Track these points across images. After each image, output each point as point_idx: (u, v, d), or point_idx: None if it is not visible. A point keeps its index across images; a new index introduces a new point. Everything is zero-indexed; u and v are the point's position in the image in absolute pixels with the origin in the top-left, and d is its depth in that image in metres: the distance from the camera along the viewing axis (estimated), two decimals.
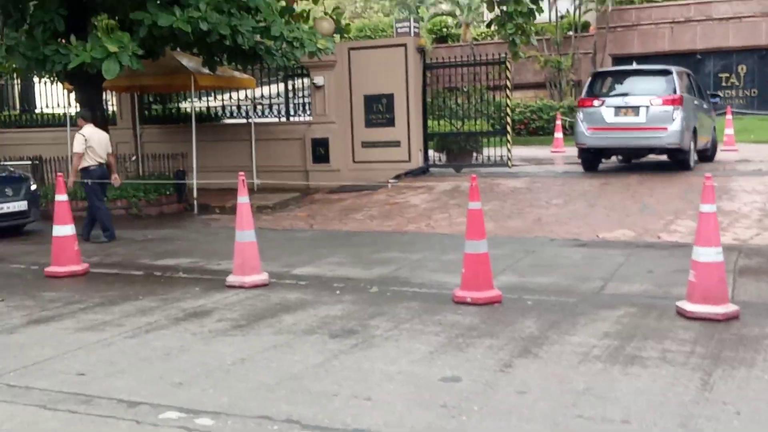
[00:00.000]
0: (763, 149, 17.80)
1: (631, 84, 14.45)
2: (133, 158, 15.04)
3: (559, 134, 20.73)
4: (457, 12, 33.29)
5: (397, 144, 14.97)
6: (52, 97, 18.08)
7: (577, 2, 28.86)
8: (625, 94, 14.05)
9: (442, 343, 5.32)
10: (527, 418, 3.94)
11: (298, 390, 4.47)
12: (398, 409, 4.12)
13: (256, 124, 15.88)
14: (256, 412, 4.14)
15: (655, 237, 9.21)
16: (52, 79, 14.11)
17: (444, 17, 33.91)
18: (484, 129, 16.19)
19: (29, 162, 14.50)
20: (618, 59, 28.55)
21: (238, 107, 17.25)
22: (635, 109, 13.66)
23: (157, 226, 11.93)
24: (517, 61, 15.47)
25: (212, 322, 6.10)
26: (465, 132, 16.07)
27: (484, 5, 19.42)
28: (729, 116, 19.42)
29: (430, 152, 16.11)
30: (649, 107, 13.54)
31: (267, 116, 16.85)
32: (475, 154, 16.39)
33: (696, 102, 14.75)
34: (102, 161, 10.42)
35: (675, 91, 13.69)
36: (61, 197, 8.35)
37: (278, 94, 17.05)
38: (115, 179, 10.66)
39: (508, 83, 15.61)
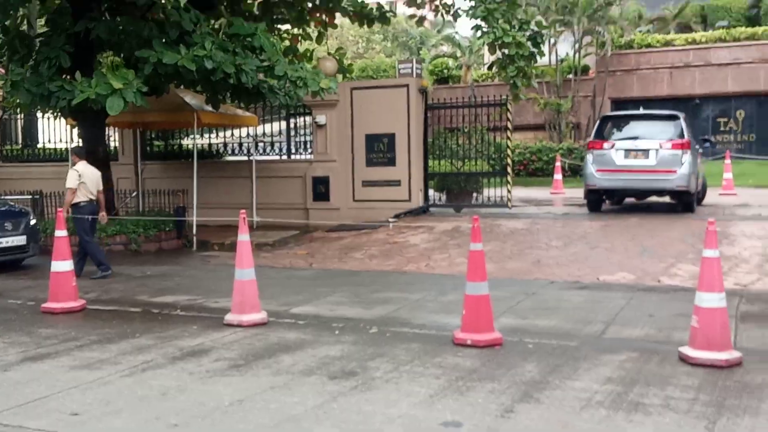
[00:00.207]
0: (762, 194, 17.83)
1: (639, 128, 14.73)
2: (134, 194, 15.05)
3: (558, 176, 20.79)
4: (459, 54, 33.63)
5: (397, 183, 14.99)
6: (55, 132, 18.15)
7: (576, 46, 29.16)
8: (634, 138, 14.28)
9: (442, 386, 5.25)
10: None
11: None
12: None
13: (257, 161, 15.92)
14: None
15: (656, 280, 9.17)
16: (55, 114, 14.18)
17: (445, 59, 34.23)
18: (484, 169, 16.25)
19: (30, 196, 14.50)
20: (617, 103, 28.77)
21: (240, 144, 17.31)
22: (645, 152, 13.95)
23: (155, 262, 11.88)
24: (518, 102, 15.56)
25: (210, 362, 6.03)
26: (465, 172, 16.12)
27: (485, 48, 19.63)
28: (728, 161, 19.47)
29: (431, 192, 16.13)
30: (658, 150, 13.84)
31: (268, 154, 16.92)
32: (475, 195, 16.42)
33: (696, 146, 14.93)
34: (93, 198, 10.49)
35: (683, 136, 14.05)
36: (61, 233, 8.33)
37: (280, 132, 17.12)
38: (102, 217, 10.67)
39: (509, 124, 15.69)
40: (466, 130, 16.48)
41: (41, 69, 11.31)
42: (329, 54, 15.30)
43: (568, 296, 8.41)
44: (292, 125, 16.96)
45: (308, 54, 14.98)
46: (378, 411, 4.75)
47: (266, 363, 5.95)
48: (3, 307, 8.62)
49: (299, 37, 16.05)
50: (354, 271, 10.61)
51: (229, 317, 7.32)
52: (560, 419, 4.55)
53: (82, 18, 11.89)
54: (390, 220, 14.15)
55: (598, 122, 15.40)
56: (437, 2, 16.31)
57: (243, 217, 7.36)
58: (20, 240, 11.08)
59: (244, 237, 7.32)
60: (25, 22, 14.58)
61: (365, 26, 16.40)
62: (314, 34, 16.15)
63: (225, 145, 17.56)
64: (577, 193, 18.37)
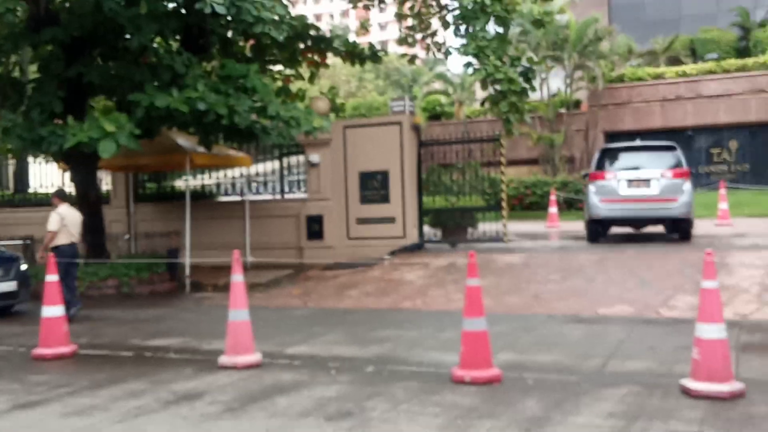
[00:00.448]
0: (758, 223, 17.81)
1: (639, 158, 15.00)
2: (126, 237, 14.96)
3: (554, 209, 20.78)
4: (450, 90, 33.88)
5: (392, 220, 14.93)
6: (46, 176, 18.11)
7: (568, 81, 29.42)
8: (636, 168, 14.59)
9: (441, 425, 5.13)
10: None
11: None
12: None
13: (250, 201, 15.86)
14: None
15: (655, 312, 9.08)
16: (47, 159, 14.16)
17: (437, 96, 34.47)
18: (479, 204, 16.21)
19: (21, 241, 14.40)
20: (611, 135, 28.95)
21: (233, 185, 17.27)
22: (647, 182, 14.28)
23: (148, 305, 11.75)
24: (511, 138, 15.60)
25: (204, 405, 5.91)
26: (460, 208, 16.08)
27: (477, 84, 19.72)
28: (722, 191, 19.50)
29: (425, 228, 16.08)
30: (659, 180, 14.20)
31: (262, 193, 16.86)
32: (470, 230, 16.36)
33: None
34: (75, 240, 10.49)
35: (682, 165, 14.48)
36: (52, 278, 8.22)
37: (273, 172, 17.09)
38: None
39: (502, 159, 15.69)
40: (459, 166, 16.48)
41: (33, 114, 11.31)
42: (321, 93, 15.34)
43: (568, 330, 8.32)
44: (285, 164, 16.94)
45: (301, 94, 15.02)
46: None
47: (262, 405, 5.83)
48: None
49: (291, 77, 16.12)
50: (350, 309, 10.50)
51: (224, 359, 7.20)
52: None
53: (75, 63, 11.92)
54: (385, 257, 14.07)
55: (598, 154, 15.60)
56: (429, 41, 16.43)
57: (236, 258, 7.28)
58: (11, 286, 10.95)
59: (237, 278, 7.23)
60: (17, 68, 14.63)
61: (357, 65, 16.48)
62: (306, 74, 16.22)
63: (218, 185, 17.52)
64: (573, 226, 18.37)
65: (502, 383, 6.15)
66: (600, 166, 14.94)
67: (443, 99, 33.96)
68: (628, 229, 16.34)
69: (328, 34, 15.93)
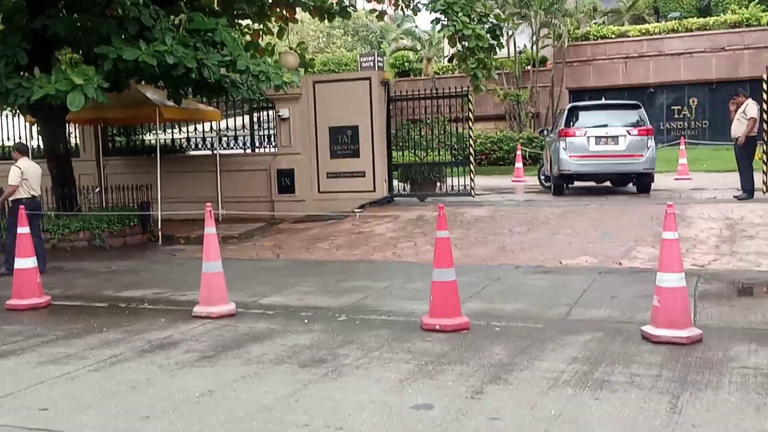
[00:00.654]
0: (716, 178, 18.23)
1: (605, 117, 15.93)
2: (97, 190, 14.89)
3: (519, 164, 21.05)
4: (419, 47, 33.75)
5: (362, 174, 15.04)
6: (14, 129, 17.84)
7: (534, 38, 29.48)
8: (604, 125, 15.46)
9: (412, 370, 5.32)
10: None
11: (269, 421, 4.43)
12: None
13: (221, 155, 15.85)
14: None
15: (617, 263, 9.35)
16: (14, 111, 13.96)
17: (406, 52, 34.31)
18: (447, 159, 16.38)
19: None
20: (575, 93, 29.16)
21: (204, 139, 17.20)
22: (615, 139, 15.24)
23: (121, 257, 11.78)
24: (479, 94, 15.72)
25: (179, 354, 6.02)
26: (429, 162, 16.23)
27: (445, 41, 19.72)
28: (682, 147, 19.93)
29: (395, 182, 16.22)
30: (626, 137, 15.17)
31: (232, 148, 16.83)
32: (438, 184, 16.54)
33: None
34: (35, 194, 10.43)
35: (646, 123, 15.54)
36: (23, 230, 8.23)
37: (243, 126, 17.04)
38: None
39: (470, 115, 15.82)
40: (428, 122, 16.59)
41: None
42: (291, 49, 15.26)
43: (533, 280, 8.55)
44: (255, 119, 16.89)
45: (270, 49, 14.91)
46: (349, 397, 4.79)
47: (236, 353, 5.96)
48: None
49: (260, 33, 15.98)
50: (321, 261, 10.65)
51: (198, 309, 7.32)
52: (529, 399, 4.64)
53: (39, 15, 11.71)
54: (355, 210, 14.20)
55: (566, 111, 16.27)
56: None
57: (209, 210, 7.35)
58: None
59: (210, 230, 7.31)
60: None
61: (326, 21, 16.37)
62: (275, 30, 16.08)
63: (188, 139, 17.42)
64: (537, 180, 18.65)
65: (470, 331, 6.34)
66: (569, 124, 15.60)
67: (411, 55, 33.81)
68: (589, 183, 17.02)
69: None
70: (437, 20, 14.27)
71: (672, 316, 5.77)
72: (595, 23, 31.39)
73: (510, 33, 27.61)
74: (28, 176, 10.31)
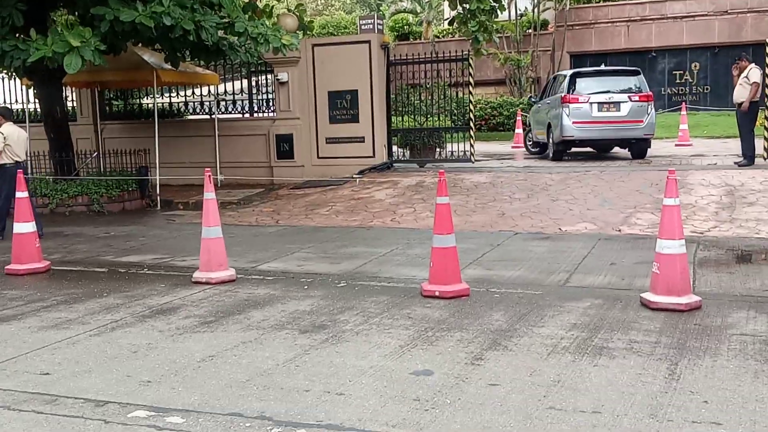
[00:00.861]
0: (716, 144, 18.20)
1: (607, 83, 16.24)
2: (95, 154, 14.84)
3: (519, 130, 20.95)
4: (418, 9, 33.41)
5: (361, 140, 14.98)
6: (11, 93, 17.72)
7: (535, 1, 29.16)
8: (606, 92, 15.83)
9: (412, 336, 5.34)
10: (500, 411, 3.97)
11: (270, 386, 4.44)
12: (371, 404, 4.12)
13: (219, 120, 15.76)
14: (228, 409, 4.10)
15: (617, 230, 9.35)
16: (10, 74, 13.84)
17: (405, 15, 33.99)
18: (446, 125, 16.31)
19: None
20: (576, 57, 28.97)
21: (201, 103, 17.10)
22: (617, 105, 15.65)
23: (119, 222, 11.78)
24: (480, 58, 15.61)
25: (179, 319, 6.04)
26: (428, 128, 16.18)
27: (445, 3, 19.50)
28: (683, 112, 19.84)
29: (394, 148, 16.17)
30: (628, 103, 15.57)
31: (231, 112, 16.75)
32: (438, 150, 16.50)
33: None
34: (19, 159, 10.33)
35: (646, 89, 15.96)
36: (22, 194, 8.20)
37: (242, 90, 16.93)
38: None
39: (471, 80, 15.71)
40: (428, 86, 16.48)
41: None
42: (289, 11, 15.09)
43: (532, 247, 8.56)
44: (253, 83, 16.78)
45: (268, 11, 14.75)
46: (349, 363, 4.81)
47: (236, 319, 5.98)
48: None
49: None
50: (320, 227, 10.65)
51: (198, 275, 7.32)
52: (528, 365, 4.66)
53: None
54: (355, 176, 14.17)
55: (567, 78, 16.42)
56: None
57: (208, 175, 7.32)
58: None
59: (210, 195, 7.29)
60: None
61: None
62: None
63: (186, 104, 17.33)
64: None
65: (469, 297, 6.36)
66: (571, 90, 15.85)
67: (411, 18, 33.51)
68: (585, 149, 17.24)
69: None
70: None
71: (671, 283, 5.78)
72: None
73: None
74: (11, 142, 10.18)
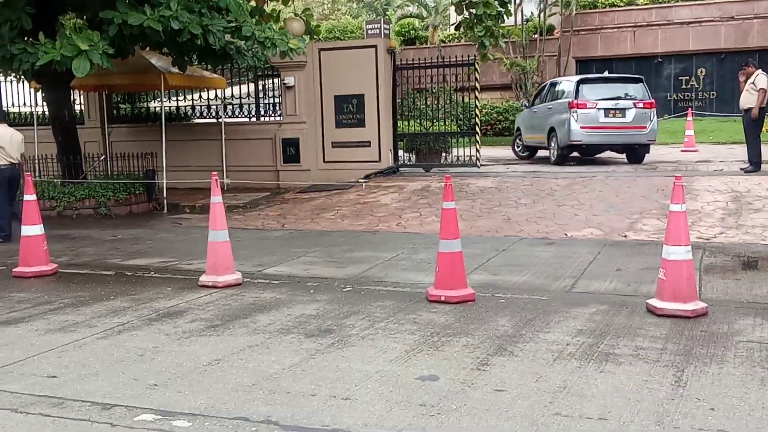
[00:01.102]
0: (722, 150, 18.18)
1: (611, 90, 16.71)
2: (102, 157, 14.89)
3: None
4: (425, 14, 33.43)
5: (367, 144, 15.01)
6: (19, 96, 17.79)
7: (541, 6, 29.16)
8: (611, 98, 16.30)
9: (418, 341, 5.34)
10: (506, 417, 3.97)
11: (276, 390, 4.45)
12: (377, 409, 4.12)
13: (226, 123, 15.80)
14: (234, 413, 4.11)
15: (622, 236, 9.34)
16: (18, 77, 13.90)
17: (412, 19, 34.01)
18: (452, 130, 16.33)
19: None
20: (582, 62, 28.94)
21: (208, 107, 17.14)
22: (623, 111, 16.16)
23: (126, 225, 11.81)
24: (486, 62, 15.63)
25: (186, 323, 6.05)
26: (434, 132, 16.20)
27: (451, 8, 19.51)
28: (689, 118, 19.82)
29: (400, 152, 16.18)
30: (633, 109, 16.10)
31: (237, 116, 16.78)
32: (444, 155, 16.51)
33: None
34: (13, 161, 10.34)
35: (649, 96, 16.55)
36: (30, 197, 8.22)
37: (248, 94, 16.97)
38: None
39: (477, 85, 15.73)
40: (434, 91, 16.50)
41: (2, 31, 11.02)
42: (296, 15, 15.12)
43: (538, 252, 8.55)
44: (260, 87, 16.82)
45: (275, 15, 14.79)
46: (355, 368, 4.82)
47: (243, 323, 5.99)
48: None
49: None
50: (326, 231, 10.66)
51: (204, 278, 7.34)
52: (534, 371, 4.66)
53: None
54: (361, 180, 14.19)
55: (575, 85, 16.71)
56: None
57: (215, 179, 7.34)
58: None
59: (217, 199, 7.30)
60: None
61: None
62: None
63: (193, 107, 17.37)
64: (545, 151, 18.58)
65: (475, 302, 6.36)
66: (577, 96, 16.24)
67: (417, 23, 33.53)
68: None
69: None
70: None
71: (677, 290, 5.77)
72: None
73: (518, 0, 27.34)
74: (4, 144, 10.20)
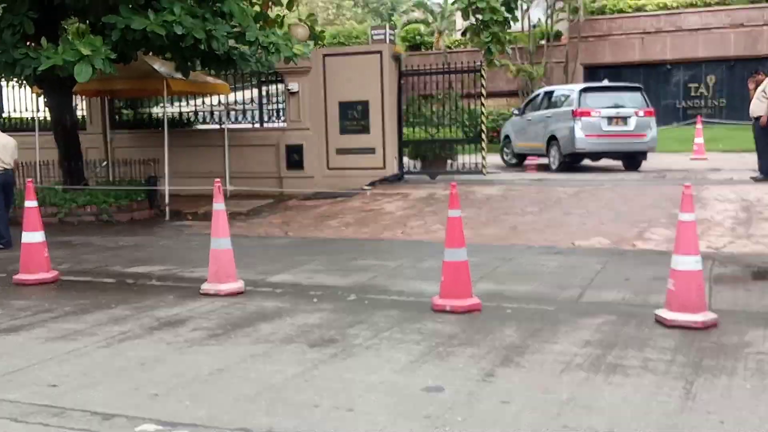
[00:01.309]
0: (732, 158, 18.06)
1: (613, 98, 17.12)
2: (104, 163, 14.85)
3: None
4: (431, 20, 33.42)
5: (372, 151, 14.93)
6: (21, 101, 17.79)
7: (549, 12, 29.10)
8: (613, 107, 16.71)
9: (423, 352, 5.26)
10: (512, 429, 3.89)
11: (278, 401, 4.38)
12: (381, 420, 4.05)
13: (229, 129, 15.75)
14: (236, 424, 4.04)
15: (631, 245, 9.25)
16: (20, 82, 13.88)
17: (417, 25, 34.00)
18: (458, 136, 16.25)
19: None
20: (590, 69, 28.85)
21: (211, 113, 17.10)
22: (625, 119, 16.58)
23: (128, 232, 11.75)
24: (493, 69, 15.58)
25: (188, 332, 5.98)
26: (440, 139, 16.11)
27: (457, 14, 19.49)
28: (699, 126, 19.70)
29: (405, 159, 16.11)
30: (634, 117, 16.54)
31: (241, 122, 16.74)
32: (449, 162, 16.43)
33: None
34: (7, 167, 10.31)
35: (648, 105, 17.04)
36: (31, 203, 8.17)
37: (252, 100, 16.93)
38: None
39: (483, 91, 15.65)
40: (439, 97, 16.43)
41: (5, 36, 10.99)
42: (300, 20, 15.09)
43: (545, 261, 8.46)
44: (264, 93, 16.77)
45: (279, 20, 14.76)
46: (359, 378, 4.74)
47: (245, 332, 5.91)
48: None
49: (269, 3, 15.78)
50: (330, 239, 10.58)
51: (206, 286, 7.27)
52: (541, 382, 4.58)
53: None
54: (365, 187, 14.12)
55: (578, 94, 17.06)
56: None
57: (218, 186, 7.27)
58: None
59: (219, 206, 7.23)
60: None
61: None
62: (284, 0, 15.89)
63: (196, 113, 17.33)
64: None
65: (481, 312, 6.27)
66: (581, 105, 16.57)
67: (423, 28, 33.51)
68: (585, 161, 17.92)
69: None
70: None
71: (687, 300, 5.68)
72: None
73: (525, 7, 27.29)
74: None
